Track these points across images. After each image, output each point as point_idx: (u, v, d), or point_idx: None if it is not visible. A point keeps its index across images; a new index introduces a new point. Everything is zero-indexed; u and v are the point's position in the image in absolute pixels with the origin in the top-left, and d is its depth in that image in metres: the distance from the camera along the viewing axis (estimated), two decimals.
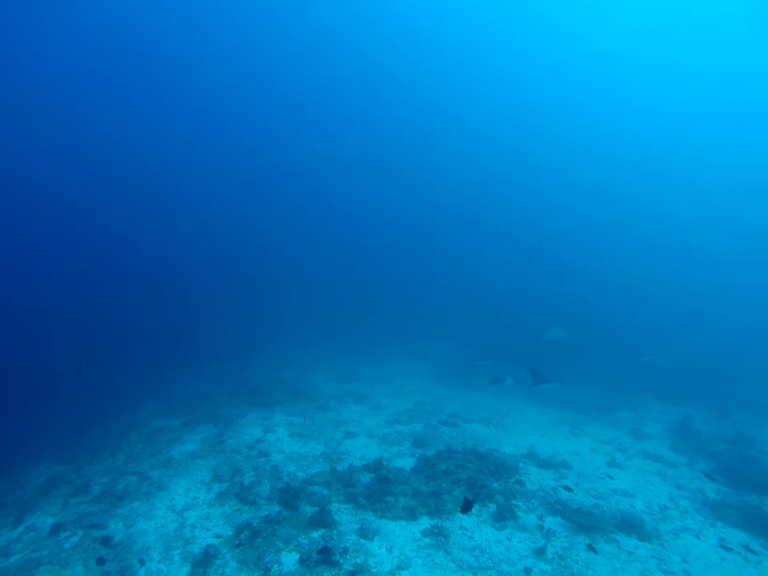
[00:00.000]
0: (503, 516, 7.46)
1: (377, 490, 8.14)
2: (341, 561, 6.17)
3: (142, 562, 6.24)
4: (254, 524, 7.07)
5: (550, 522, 7.34)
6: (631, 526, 7.05)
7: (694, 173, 52.49)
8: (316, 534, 6.89)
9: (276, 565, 6.14)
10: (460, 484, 8.53)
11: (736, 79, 48.61)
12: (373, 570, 6.06)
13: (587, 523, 6.92)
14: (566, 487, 7.88)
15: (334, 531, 7.01)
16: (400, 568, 6.14)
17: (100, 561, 6.19)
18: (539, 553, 6.49)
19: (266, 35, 45.45)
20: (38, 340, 19.33)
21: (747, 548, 6.71)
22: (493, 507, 7.86)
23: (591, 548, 6.40)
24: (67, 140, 39.47)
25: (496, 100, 54.68)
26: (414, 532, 7.10)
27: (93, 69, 38.70)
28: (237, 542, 6.57)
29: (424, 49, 49.81)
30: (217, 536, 6.91)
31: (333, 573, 5.96)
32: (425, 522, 7.43)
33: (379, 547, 6.62)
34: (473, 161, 57.28)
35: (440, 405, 15.68)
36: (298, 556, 6.31)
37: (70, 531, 7.23)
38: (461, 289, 39.87)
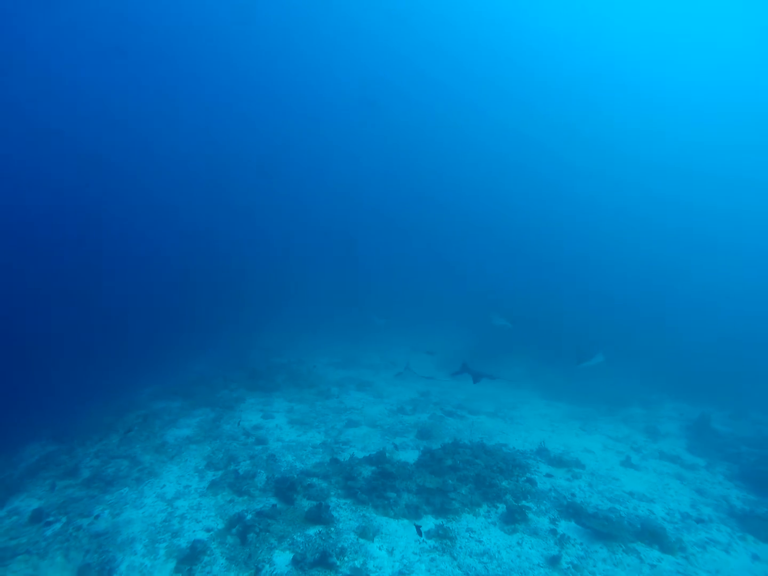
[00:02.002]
0: (513, 518, 6.96)
1: (379, 485, 7.67)
2: (338, 563, 5.71)
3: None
4: (247, 518, 6.62)
5: (564, 527, 6.83)
6: (651, 534, 6.51)
7: (697, 162, 51.35)
8: (312, 531, 6.43)
9: (267, 565, 5.69)
10: (468, 481, 8.03)
11: (738, 75, 47.40)
12: (373, 575, 5.59)
13: (604, 530, 6.39)
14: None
15: (332, 528, 6.54)
16: (401, 574, 5.67)
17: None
18: (553, 562, 5.98)
19: (277, 30, 44.47)
20: (38, 317, 19.04)
21: None
22: (502, 507, 7.37)
23: None
24: (76, 126, 39.02)
25: (498, 86, 53.57)
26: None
27: (106, 61, 38.16)
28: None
29: (429, 46, 48.77)
30: (207, 529, 6.48)
31: None
32: (430, 522, 6.96)
33: (380, 549, 6.15)
34: (469, 148, 56.58)
35: (446, 395, 15.22)
36: (291, 555, 5.86)
37: (54, 517, 6.84)
38: (465, 273, 39.33)
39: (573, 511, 7.13)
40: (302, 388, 13.72)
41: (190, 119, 46.67)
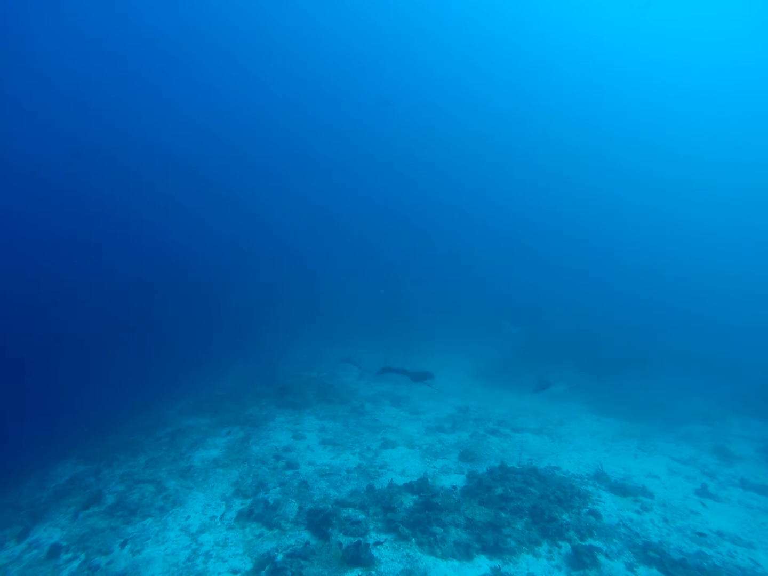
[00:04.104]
0: (582, 562, 5.99)
1: (423, 518, 6.84)
2: None
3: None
4: (278, 558, 5.92)
5: None
6: None
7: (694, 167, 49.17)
8: None
9: None
10: (523, 514, 7.10)
11: (738, 75, 45.06)
12: None
13: None
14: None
15: (372, 572, 5.76)
16: None
17: None
18: None
19: (274, 35, 44.69)
20: (71, 333, 19.21)
21: None
22: (566, 547, 6.40)
23: None
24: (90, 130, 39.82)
25: (521, 89, 52.55)
26: None
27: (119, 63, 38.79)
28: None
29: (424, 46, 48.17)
30: (234, 571, 5.81)
31: None
32: (483, 564, 6.08)
33: None
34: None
35: (485, 410, 14.26)
36: None
37: (72, 553, 6.33)
38: (497, 285, 38.16)
39: (652, 555, 6.08)
40: (334, 405, 13.05)
41: (216, 131, 47.26)
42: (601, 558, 6.16)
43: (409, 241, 49.59)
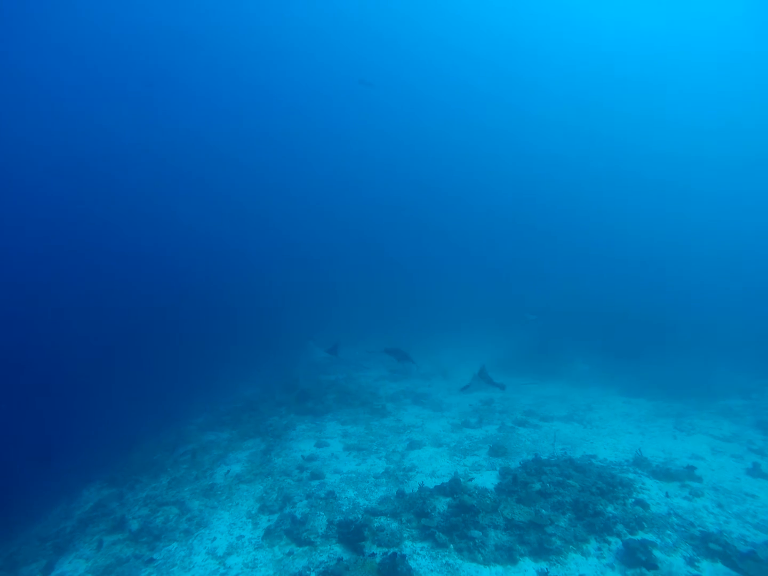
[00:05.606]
0: (637, 559, 5.54)
1: (459, 522, 6.46)
2: None
3: None
4: None
5: (710, 572, 5.33)
6: None
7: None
8: None
9: None
10: (565, 509, 6.68)
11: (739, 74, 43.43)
12: None
13: None
14: None
15: None
16: None
17: None
18: None
19: (265, 34, 44.08)
20: (89, 349, 19.15)
21: None
22: (615, 543, 5.96)
23: None
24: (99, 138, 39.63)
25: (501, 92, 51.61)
26: None
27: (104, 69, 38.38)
28: None
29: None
30: None
31: None
32: (529, 567, 5.67)
33: None
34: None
35: (510, 401, 13.83)
36: None
37: None
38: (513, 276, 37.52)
39: (714, 547, 5.61)
40: (355, 407, 12.69)
41: (215, 137, 46.97)
42: (657, 553, 5.71)
43: (426, 239, 49.13)
